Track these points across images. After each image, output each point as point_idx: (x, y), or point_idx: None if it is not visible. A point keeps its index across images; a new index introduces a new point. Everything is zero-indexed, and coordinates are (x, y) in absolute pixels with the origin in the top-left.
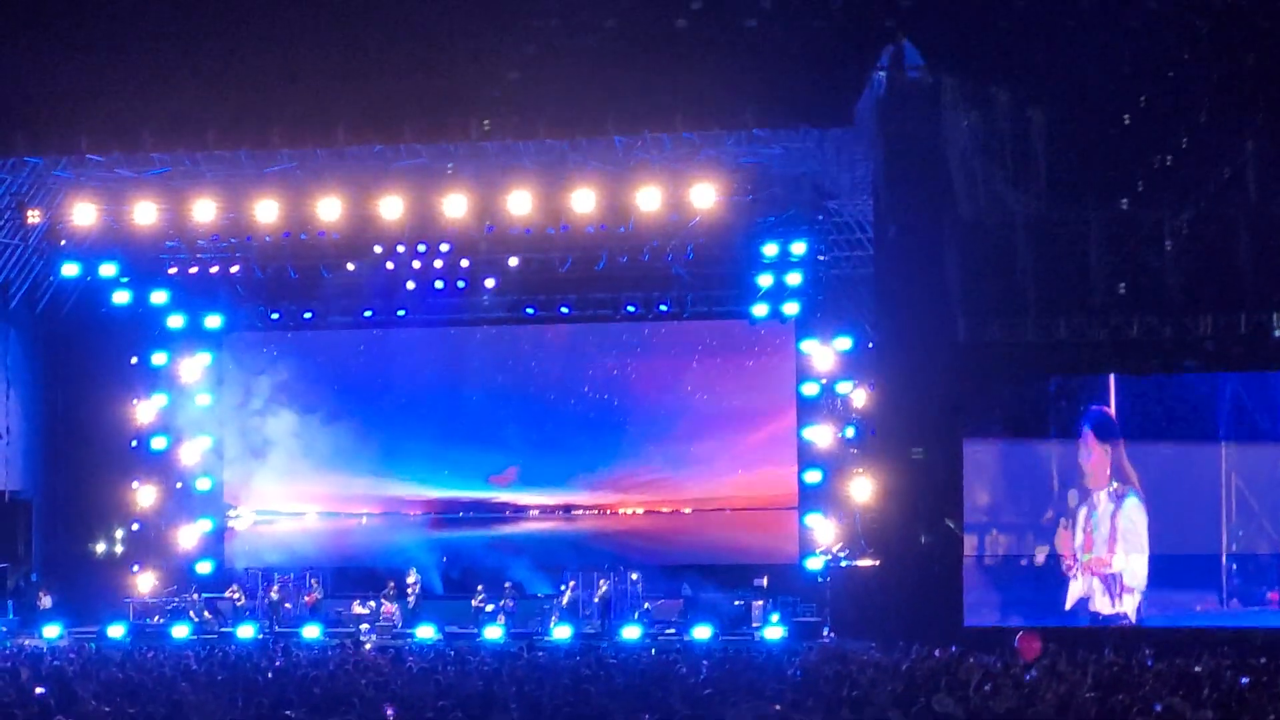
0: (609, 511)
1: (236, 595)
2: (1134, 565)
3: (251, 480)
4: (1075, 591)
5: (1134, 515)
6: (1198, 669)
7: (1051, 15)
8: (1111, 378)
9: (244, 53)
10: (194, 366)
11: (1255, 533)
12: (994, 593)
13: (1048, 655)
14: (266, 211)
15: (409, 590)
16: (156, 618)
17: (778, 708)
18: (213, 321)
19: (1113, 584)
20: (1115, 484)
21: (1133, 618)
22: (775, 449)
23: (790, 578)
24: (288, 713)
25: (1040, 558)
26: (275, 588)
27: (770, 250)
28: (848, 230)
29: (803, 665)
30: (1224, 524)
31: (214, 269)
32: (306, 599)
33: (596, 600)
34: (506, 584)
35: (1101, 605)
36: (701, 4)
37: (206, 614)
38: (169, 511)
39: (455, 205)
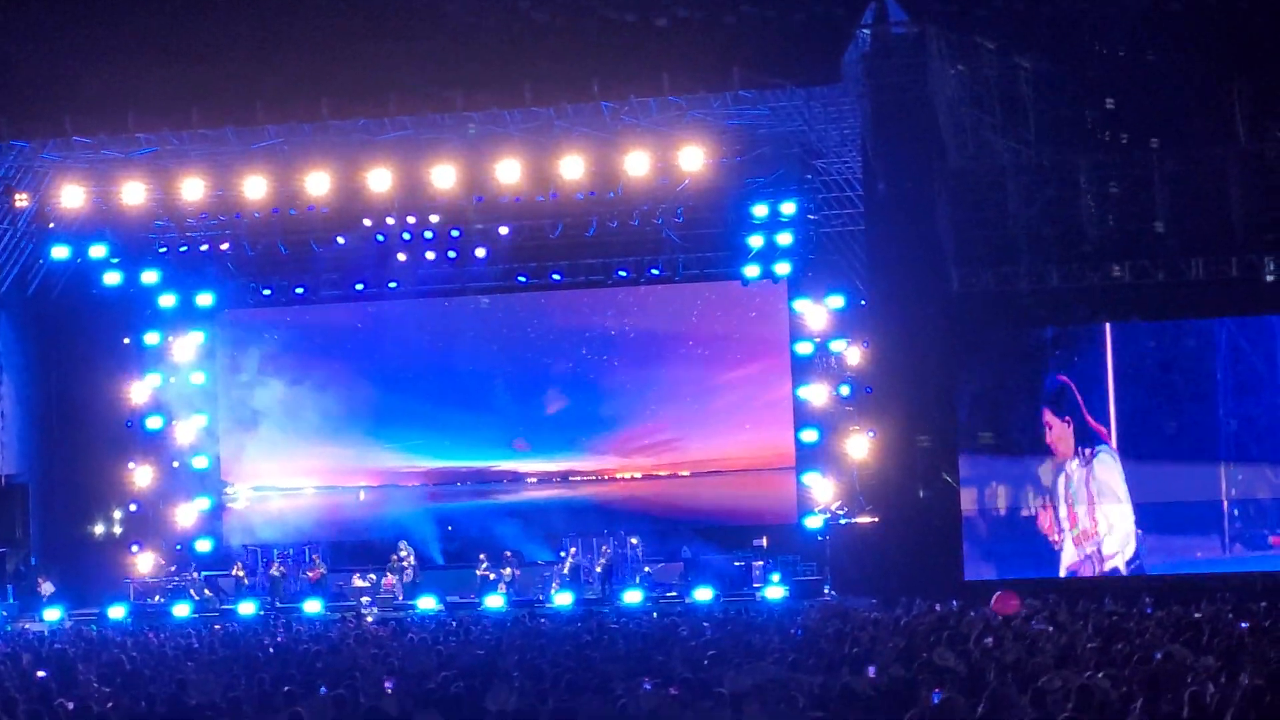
0: (607, 477)
1: (240, 572)
2: (1115, 521)
3: (248, 457)
4: (1067, 560)
5: (1104, 472)
6: (1198, 615)
7: None
8: (1106, 325)
9: (227, 30)
10: (187, 345)
11: (1255, 477)
12: (994, 546)
13: (1047, 606)
14: (255, 188)
15: (404, 563)
16: (157, 597)
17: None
18: (204, 300)
19: (1098, 555)
20: (1082, 449)
21: (1123, 570)
22: (771, 409)
23: (790, 537)
24: (289, 688)
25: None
26: (276, 564)
27: (760, 211)
28: (837, 188)
29: (804, 624)
30: (1223, 469)
31: (204, 247)
32: (310, 574)
33: (598, 567)
34: (507, 553)
35: (1090, 570)
36: None
37: (207, 592)
38: (166, 491)
39: (444, 176)
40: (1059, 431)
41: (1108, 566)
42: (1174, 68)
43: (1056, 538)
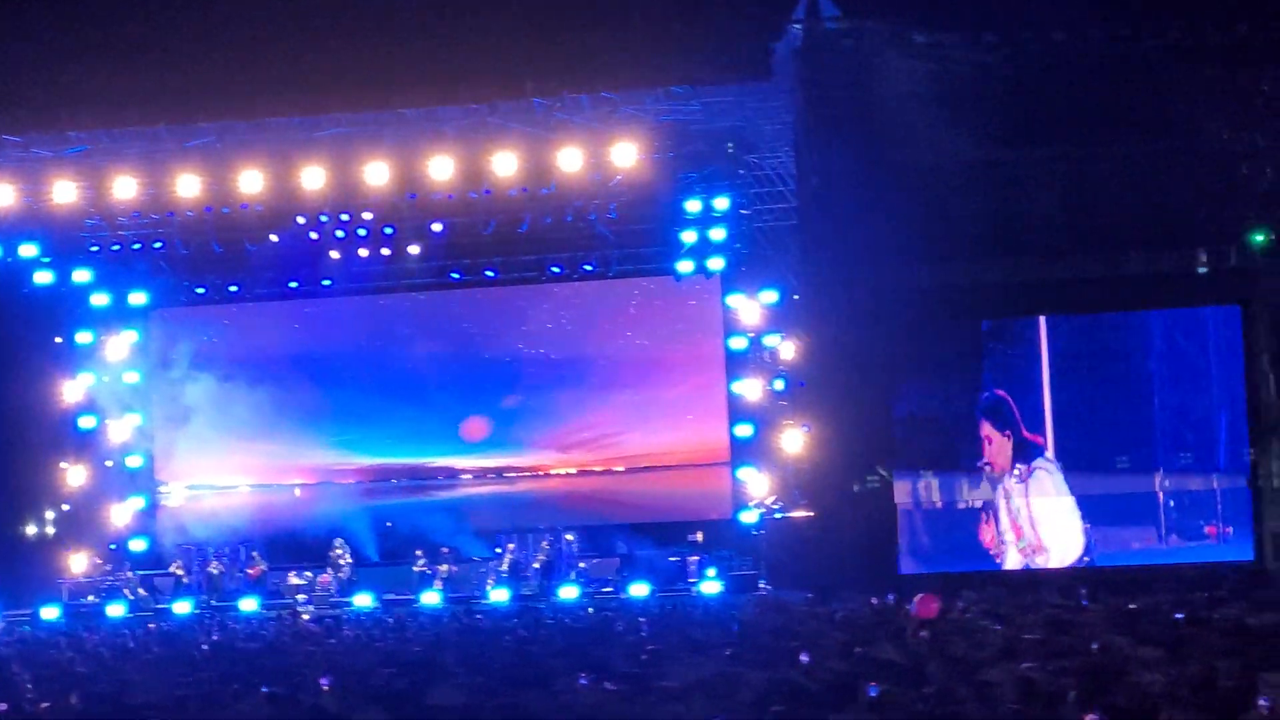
0: (543, 473)
1: (179, 570)
2: (1064, 529)
3: (182, 455)
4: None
5: (1045, 482)
6: (1136, 606)
7: None
8: (1041, 319)
9: (160, 26)
10: (120, 344)
11: (1190, 468)
12: (931, 540)
13: (987, 599)
14: (188, 186)
15: (340, 560)
16: (91, 597)
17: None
18: (137, 298)
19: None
20: (1019, 466)
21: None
22: (706, 404)
23: (725, 532)
24: (232, 686)
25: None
26: (214, 562)
27: (693, 206)
28: (770, 183)
29: (741, 619)
30: (1159, 460)
31: (137, 246)
32: (250, 571)
33: (535, 564)
34: (443, 549)
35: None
36: None
37: (141, 591)
38: (100, 490)
39: (377, 173)
40: (998, 445)
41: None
42: (1110, 61)
43: (999, 550)
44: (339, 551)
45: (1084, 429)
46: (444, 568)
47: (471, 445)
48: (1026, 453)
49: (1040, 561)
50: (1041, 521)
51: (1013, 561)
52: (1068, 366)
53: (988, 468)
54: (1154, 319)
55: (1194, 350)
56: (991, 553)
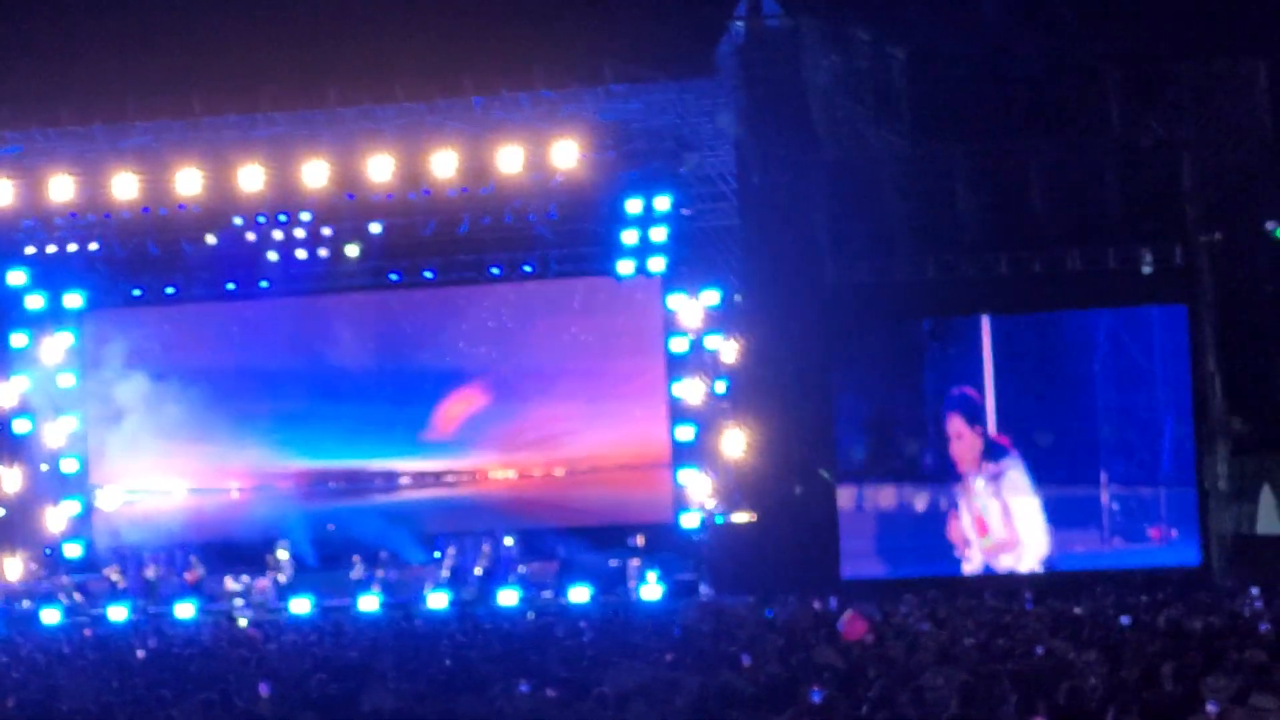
0: (482, 476)
1: (115, 576)
2: (1035, 532)
3: (119, 459)
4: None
5: (1019, 483)
6: (1079, 610)
7: None
8: (985, 318)
9: (94, 25)
10: (55, 346)
11: (1135, 470)
12: (873, 543)
13: (927, 603)
14: (124, 187)
15: (280, 565)
16: (25, 602)
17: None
18: (73, 300)
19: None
20: (988, 464)
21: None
22: (646, 406)
23: (666, 536)
24: (163, 692)
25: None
26: (151, 566)
27: (634, 206)
28: (711, 182)
29: (682, 623)
30: (1102, 462)
31: (72, 247)
32: (187, 576)
33: (475, 567)
34: (382, 554)
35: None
36: None
37: (77, 596)
38: (35, 494)
39: (315, 173)
40: (969, 442)
41: (1024, 569)
42: (1048, 57)
43: (963, 550)
44: (281, 555)
45: (1027, 428)
46: (382, 572)
47: (416, 446)
48: (994, 452)
49: (1007, 561)
50: (1016, 519)
51: (976, 561)
52: (1011, 366)
53: (956, 464)
54: (1098, 319)
55: (1139, 351)
56: (955, 553)
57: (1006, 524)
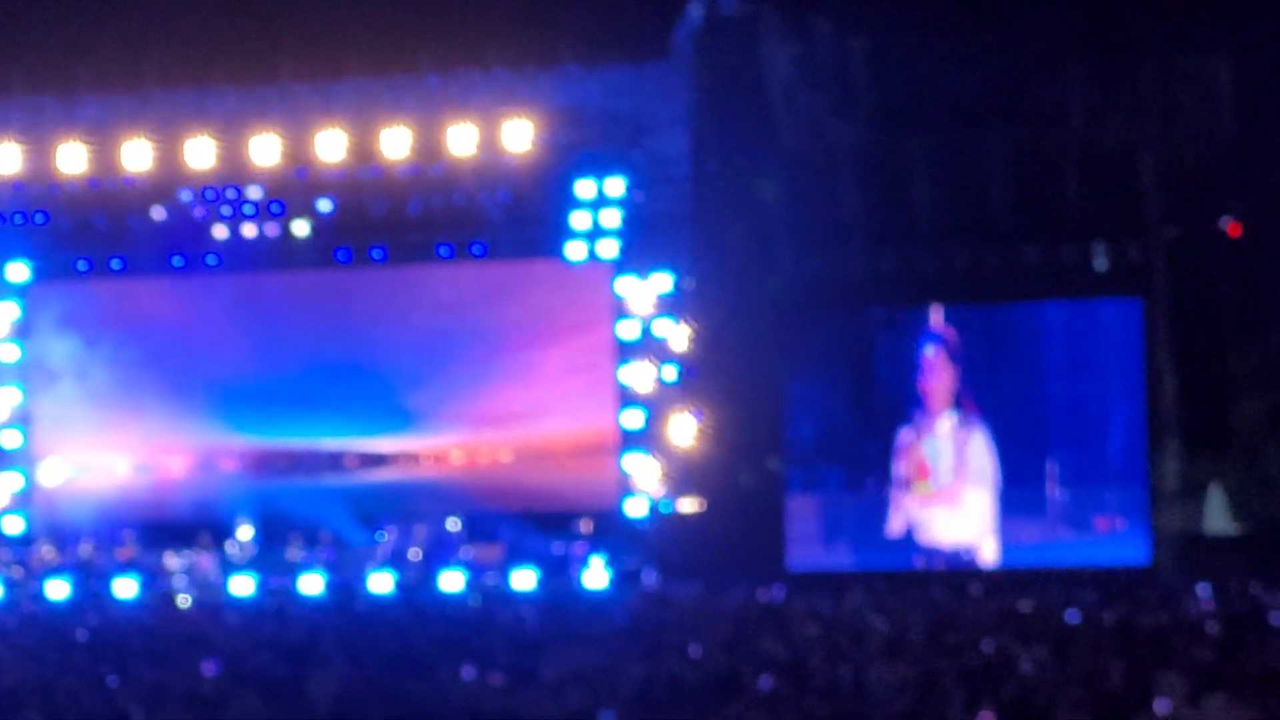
0: (427, 459)
1: (48, 552)
2: (983, 500)
3: (61, 435)
4: (899, 522)
5: (985, 450)
6: (1027, 606)
7: None
8: (939, 309)
9: None
10: (0, 319)
11: (1084, 464)
12: (820, 534)
13: (875, 596)
14: (72, 158)
15: (238, 544)
16: None
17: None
18: (18, 272)
19: (955, 515)
20: (956, 413)
21: (989, 556)
22: (594, 392)
23: (612, 523)
24: (103, 670)
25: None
26: (87, 543)
27: (586, 189)
28: (665, 166)
29: (626, 611)
30: (1051, 453)
31: (18, 218)
32: (120, 553)
33: (416, 549)
34: (324, 534)
35: (940, 535)
36: None
37: (17, 571)
38: None
39: (265, 149)
40: (944, 380)
41: (972, 539)
42: (1009, 50)
43: (898, 490)
44: (243, 533)
45: (978, 418)
46: (323, 553)
47: (360, 427)
48: (966, 405)
49: (941, 518)
50: (967, 477)
51: (901, 516)
52: (962, 356)
53: (923, 401)
54: (1051, 311)
55: (1090, 343)
56: (892, 491)
57: (955, 477)
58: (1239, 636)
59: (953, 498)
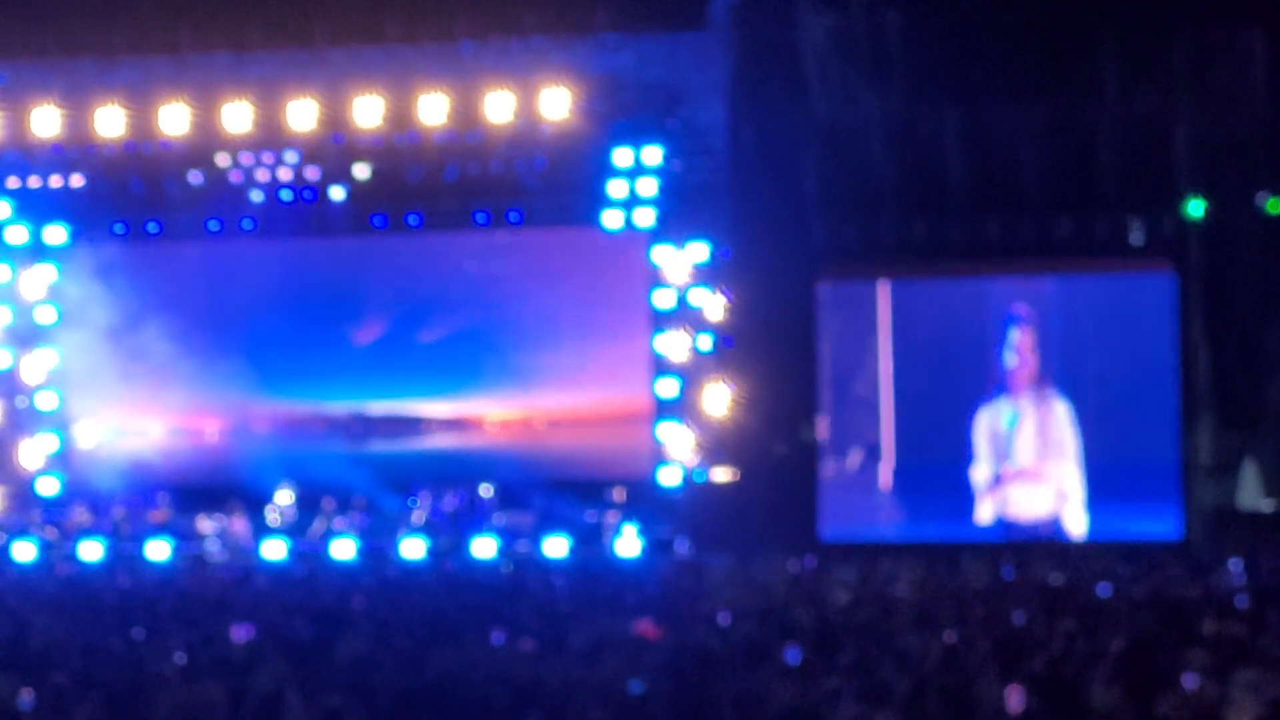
0: (461, 425)
1: (81, 514)
2: (1070, 473)
3: (97, 396)
4: (992, 507)
5: (1067, 423)
6: (1058, 580)
7: None
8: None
9: None
10: (37, 280)
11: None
12: (852, 505)
13: (904, 569)
14: (110, 121)
15: (281, 505)
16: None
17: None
18: (55, 234)
19: (1042, 493)
20: (1039, 389)
21: (1077, 529)
22: (629, 360)
23: (645, 491)
24: (134, 632)
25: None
26: (121, 506)
27: (622, 158)
28: (701, 136)
29: (658, 580)
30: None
31: (56, 181)
32: (154, 516)
33: (450, 517)
34: (357, 499)
35: (1023, 511)
36: None
37: (51, 533)
38: (12, 429)
39: (302, 114)
40: (1030, 362)
41: (1059, 512)
42: (1043, 21)
43: (982, 484)
44: (283, 497)
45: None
46: (355, 518)
47: (394, 392)
48: (1045, 381)
49: (1019, 494)
50: (1049, 450)
51: (989, 499)
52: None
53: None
54: (1084, 285)
55: (1124, 319)
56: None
57: (1040, 454)
58: (1270, 610)
59: (1037, 475)
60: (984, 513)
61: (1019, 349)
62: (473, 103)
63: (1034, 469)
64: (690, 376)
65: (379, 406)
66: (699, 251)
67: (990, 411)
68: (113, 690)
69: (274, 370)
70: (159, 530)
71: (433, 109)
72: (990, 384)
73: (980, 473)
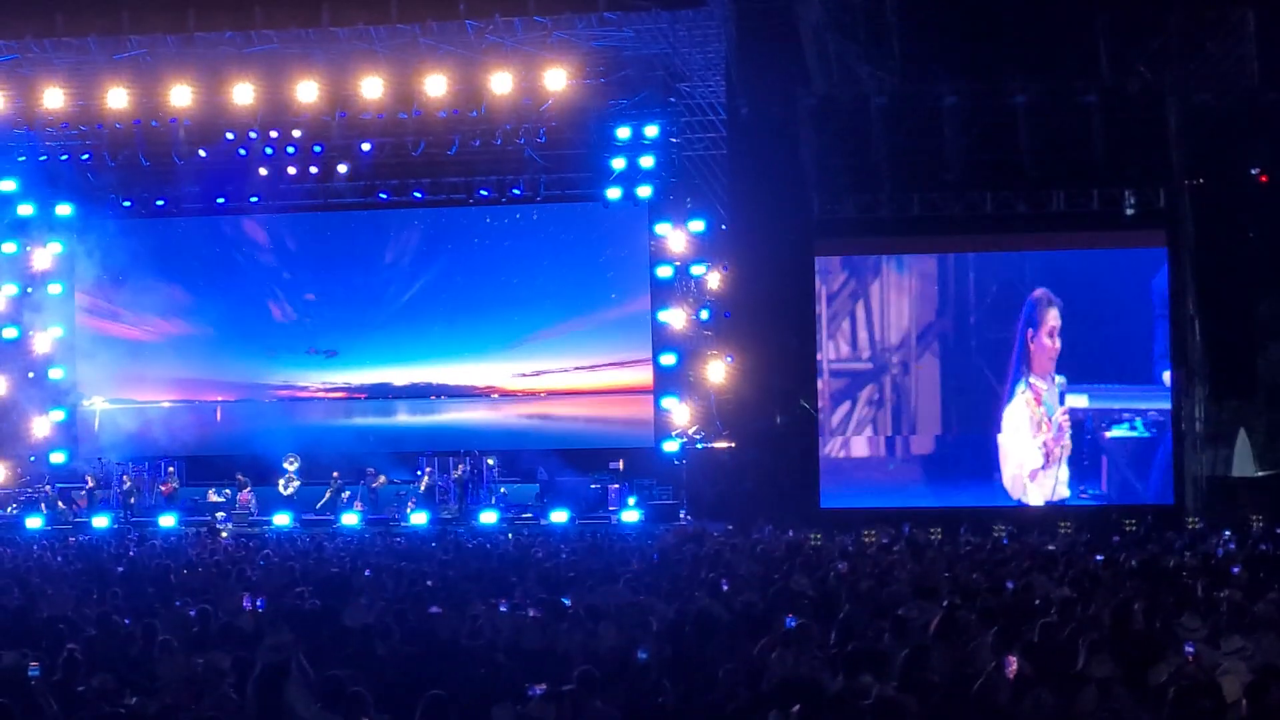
0: (465, 396)
1: (91, 485)
2: (1067, 445)
3: (105, 369)
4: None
5: (1067, 397)
6: (1053, 547)
7: None
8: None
9: None
10: (45, 255)
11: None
12: (850, 475)
13: (902, 536)
14: (117, 98)
15: (289, 476)
16: (12, 508)
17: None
18: (63, 210)
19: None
20: (1058, 376)
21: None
22: (630, 332)
23: (647, 461)
24: (142, 602)
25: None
26: (128, 477)
27: (623, 133)
28: (700, 112)
29: (660, 548)
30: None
31: (64, 157)
32: (163, 488)
33: (455, 487)
34: (369, 470)
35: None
36: None
37: (60, 504)
38: (21, 402)
39: (307, 91)
40: (1051, 347)
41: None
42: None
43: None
44: (290, 465)
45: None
46: (363, 489)
47: (399, 364)
48: (1064, 367)
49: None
50: (1064, 433)
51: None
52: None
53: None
54: (1077, 259)
55: (1121, 288)
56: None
57: (1058, 439)
58: (1262, 577)
59: (1053, 450)
60: (1014, 490)
61: (1050, 333)
62: (475, 79)
63: (1051, 443)
64: (691, 348)
65: (384, 377)
66: (698, 225)
67: (1021, 389)
68: (122, 659)
69: (279, 343)
70: (167, 501)
71: (436, 86)
72: (1015, 363)
73: (1009, 451)
